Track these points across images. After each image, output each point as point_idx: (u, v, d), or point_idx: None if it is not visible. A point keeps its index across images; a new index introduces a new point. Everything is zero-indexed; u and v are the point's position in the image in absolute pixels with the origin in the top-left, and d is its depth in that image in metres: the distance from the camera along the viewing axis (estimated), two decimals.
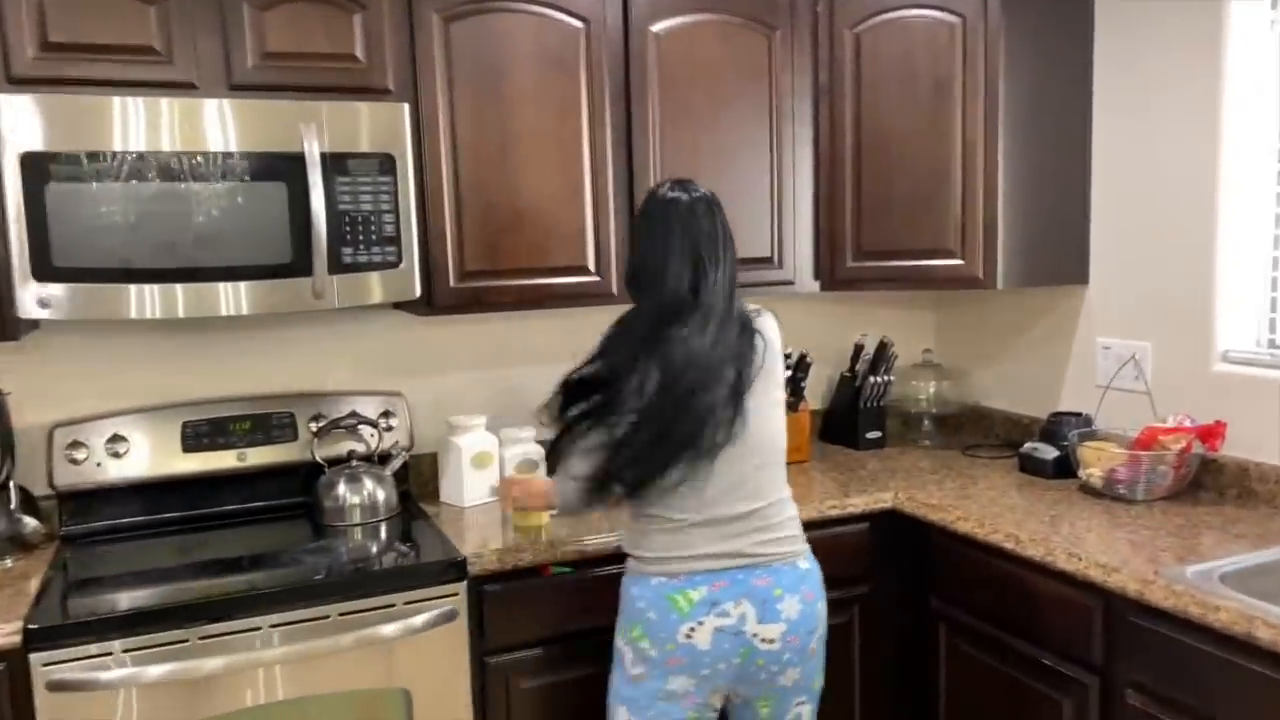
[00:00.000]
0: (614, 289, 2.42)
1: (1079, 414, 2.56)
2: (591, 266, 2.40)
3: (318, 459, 2.36)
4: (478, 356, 2.65)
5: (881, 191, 2.58)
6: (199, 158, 1.97)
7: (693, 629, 1.77)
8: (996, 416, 2.92)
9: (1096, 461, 2.32)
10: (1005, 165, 2.46)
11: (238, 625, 1.84)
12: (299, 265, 2.06)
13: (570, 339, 2.73)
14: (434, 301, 2.26)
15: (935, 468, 2.65)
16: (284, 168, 2.03)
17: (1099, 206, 2.58)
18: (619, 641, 1.87)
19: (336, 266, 2.10)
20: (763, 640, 1.79)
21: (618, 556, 2.09)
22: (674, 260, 1.80)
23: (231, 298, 2.03)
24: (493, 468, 2.44)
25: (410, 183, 2.15)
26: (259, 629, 1.85)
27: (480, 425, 2.45)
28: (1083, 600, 1.93)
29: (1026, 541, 2.04)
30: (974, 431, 2.98)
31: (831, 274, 2.65)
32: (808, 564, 1.87)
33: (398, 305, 2.34)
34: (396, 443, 2.46)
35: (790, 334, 2.09)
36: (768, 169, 2.56)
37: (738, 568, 1.80)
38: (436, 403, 2.60)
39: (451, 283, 2.27)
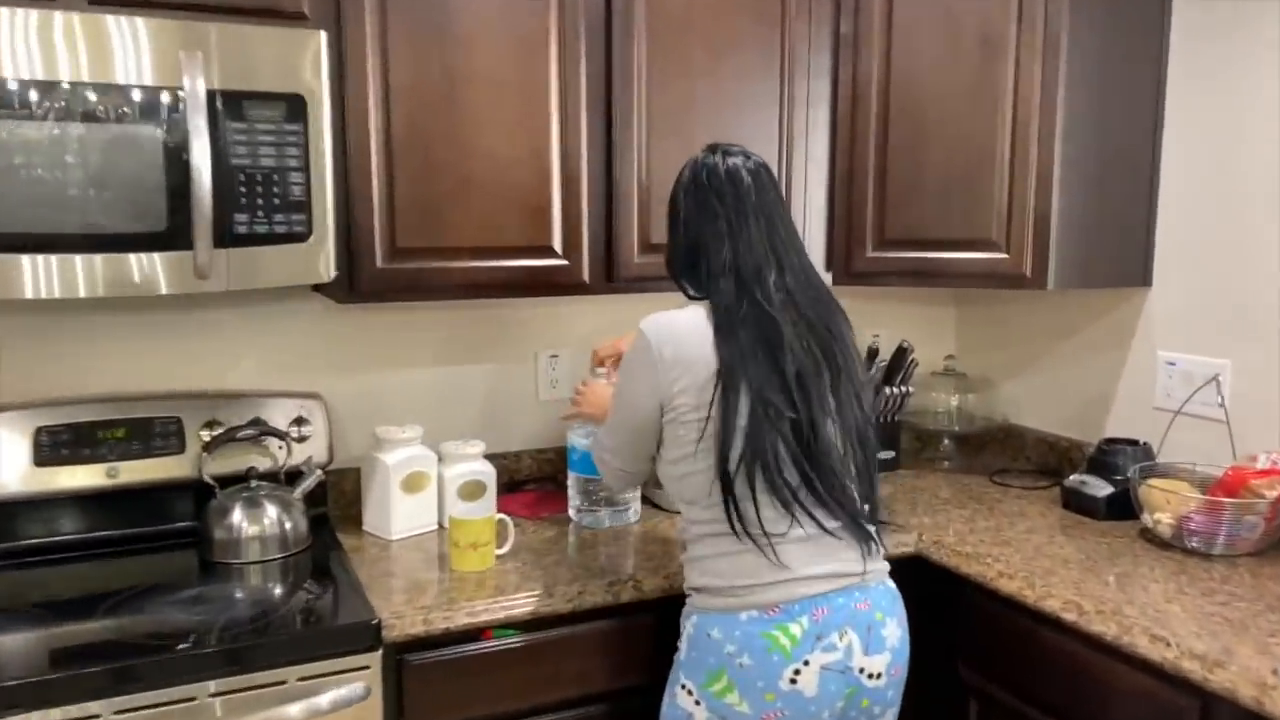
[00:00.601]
0: (585, 275, 1.97)
1: (1137, 442, 2.14)
2: (558, 247, 1.94)
3: (206, 478, 1.89)
4: (416, 353, 2.19)
5: (912, 168, 2.14)
6: (43, 89, 1.49)
7: (798, 671, 1.44)
8: (1029, 437, 2.50)
9: (1165, 505, 1.90)
10: (1063, 142, 2.02)
11: (73, 715, 1.39)
12: (177, 235, 1.60)
13: (531, 334, 2.30)
14: (356, 286, 1.80)
15: (960, 498, 2.23)
16: (158, 108, 1.56)
17: (1170, 195, 2.15)
18: (684, 704, 1.50)
19: (227, 238, 1.63)
20: (869, 675, 1.50)
21: (583, 614, 1.67)
22: (757, 246, 1.51)
23: (87, 275, 1.56)
24: (429, 492, 1.99)
25: (326, 133, 1.68)
26: (97, 718, 1.40)
27: (414, 439, 1.99)
28: (1171, 698, 1.51)
29: (1092, 613, 1.62)
30: (1000, 453, 2.56)
31: (847, 265, 2.21)
32: (892, 582, 1.59)
33: (318, 288, 1.88)
34: (310, 458, 1.99)
35: None
36: (775, 135, 2.11)
37: (837, 590, 1.48)
38: (364, 408, 2.14)
39: (379, 263, 1.81)
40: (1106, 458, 2.13)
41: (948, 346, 2.71)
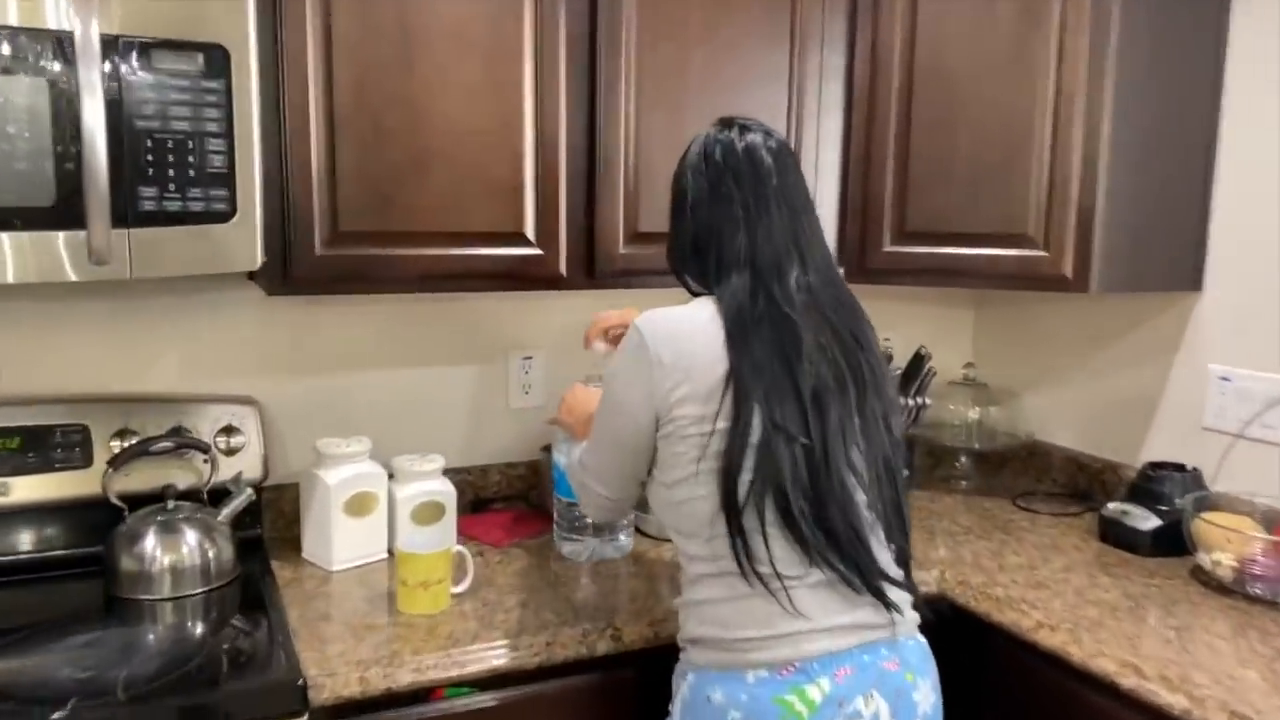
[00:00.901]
0: (562, 267, 1.70)
1: (1185, 467, 1.89)
2: (531, 234, 1.67)
3: (113, 499, 1.62)
4: (367, 352, 1.92)
5: (937, 151, 1.88)
6: None
7: None
8: (1055, 456, 2.25)
9: (1226, 544, 1.65)
10: (1112, 125, 1.76)
11: None
12: (67, 212, 1.32)
13: (502, 332, 2.03)
14: (290, 275, 1.53)
15: (983, 526, 1.98)
16: (44, 57, 1.28)
17: (1227, 187, 1.90)
18: None
19: (130, 216, 1.35)
20: None
21: (553, 669, 1.41)
22: (778, 237, 1.28)
23: None
24: (377, 514, 1.72)
25: (253, 93, 1.40)
26: None
27: (361, 453, 1.72)
28: None
29: (1155, 678, 1.37)
30: (1023, 473, 2.31)
31: (861, 261, 1.95)
32: (922, 635, 1.33)
33: (252, 276, 1.60)
34: (240, 474, 1.72)
35: None
36: (783, 109, 1.84)
37: (862, 646, 1.24)
38: (306, 414, 1.87)
39: (318, 248, 1.53)
40: (1151, 485, 1.88)
41: (963, 352, 2.46)
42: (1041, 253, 1.82)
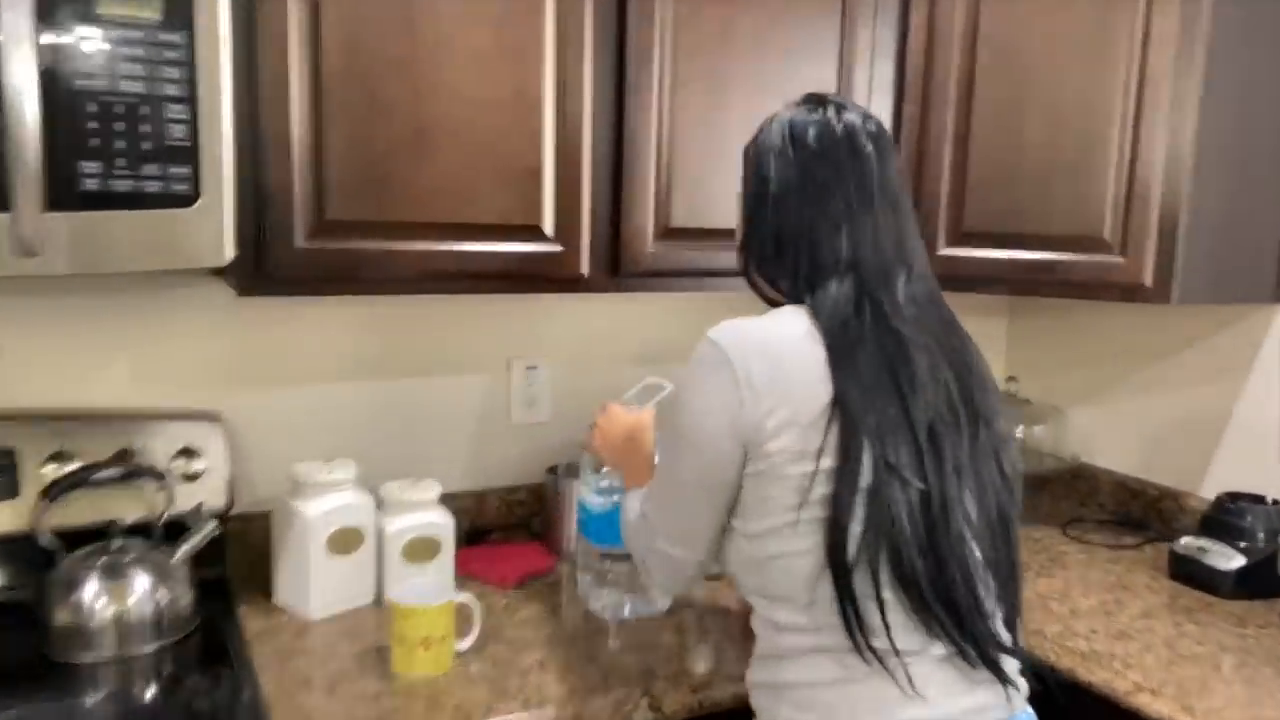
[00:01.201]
0: (584, 267, 1.46)
1: (1266, 499, 1.70)
2: (548, 228, 1.43)
3: (43, 539, 1.35)
4: (349, 361, 1.66)
5: (1001, 142, 1.67)
6: None
7: None
8: (1103, 480, 2.06)
9: None
10: (1201, 115, 1.56)
11: None
12: None
13: (503, 337, 1.78)
14: (266, 271, 1.27)
15: (1039, 561, 1.78)
16: None
17: None
18: None
19: (65, 198, 1.09)
20: None
21: None
22: (884, 239, 1.08)
23: None
24: (364, 551, 1.47)
25: (223, 51, 1.15)
26: None
27: (345, 481, 1.47)
28: None
29: None
30: (1066, 498, 2.11)
31: None
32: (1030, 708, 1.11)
33: (221, 272, 1.35)
34: (201, 504, 1.46)
35: None
36: (830, 87, 1.62)
37: None
38: (279, 433, 1.61)
39: (300, 240, 1.28)
40: (1229, 517, 1.69)
41: (996, 359, 2.25)
42: (1118, 258, 1.62)
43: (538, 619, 1.46)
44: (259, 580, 1.52)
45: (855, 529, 0.97)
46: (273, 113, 1.23)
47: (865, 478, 0.97)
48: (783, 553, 1.02)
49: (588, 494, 1.46)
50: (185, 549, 1.39)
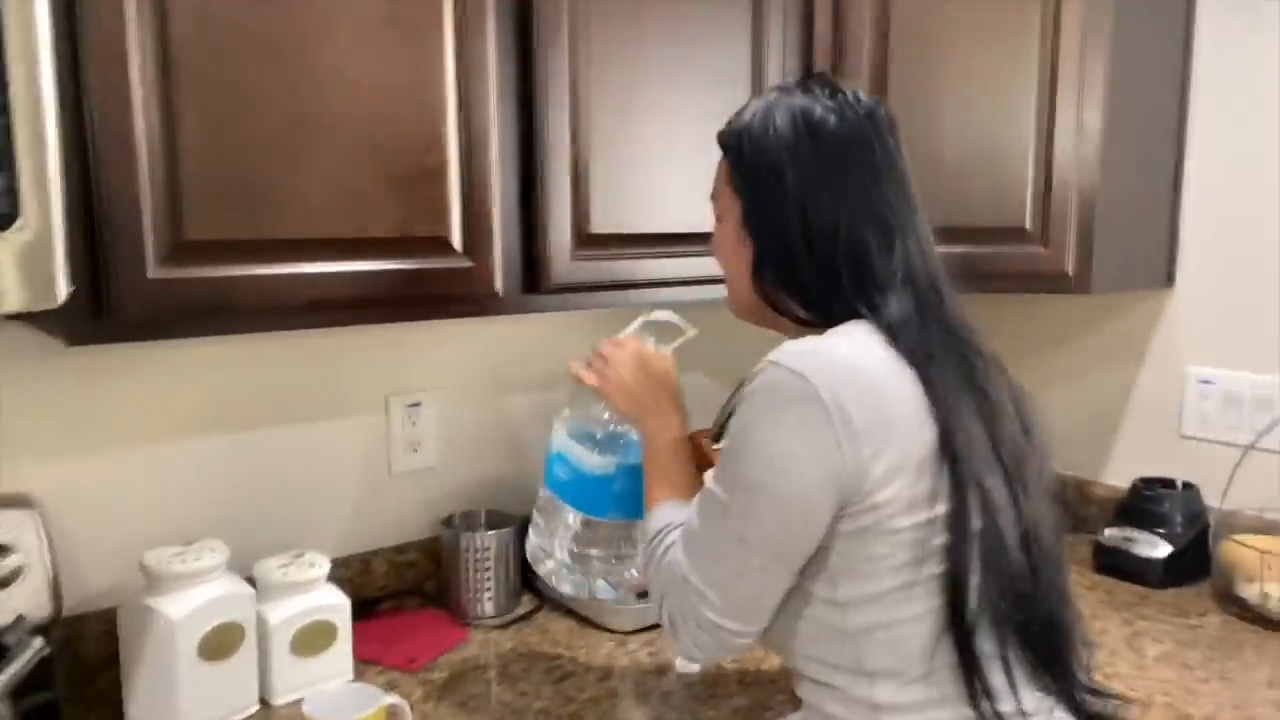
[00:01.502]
0: (498, 285, 1.23)
1: (1176, 483, 1.70)
2: (456, 240, 1.20)
3: None
4: (196, 413, 1.35)
5: (919, 131, 1.57)
6: None
7: None
8: None
9: (1267, 571, 1.47)
10: (1107, 105, 1.53)
11: None
12: None
13: (379, 369, 1.50)
14: (112, 312, 0.97)
15: None
16: None
17: (1197, 172, 1.74)
18: None
19: None
20: None
21: None
22: (928, 242, 0.95)
23: None
24: (244, 651, 1.18)
25: (41, 25, 0.84)
26: None
27: (214, 568, 1.17)
28: None
29: None
30: None
31: None
32: None
33: (29, 316, 1.01)
34: (21, 617, 1.12)
35: (728, 359, 0.94)
36: (744, 73, 1.47)
37: None
38: (112, 511, 1.28)
39: (150, 270, 0.98)
40: (1148, 505, 1.68)
41: None
42: (1040, 249, 1.56)
43: (469, 705, 1.22)
44: (97, 699, 1.20)
45: (974, 580, 0.83)
46: (111, 108, 0.94)
47: (975, 521, 0.82)
48: (892, 621, 0.85)
49: (565, 442, 1.13)
50: (4, 678, 1.05)
